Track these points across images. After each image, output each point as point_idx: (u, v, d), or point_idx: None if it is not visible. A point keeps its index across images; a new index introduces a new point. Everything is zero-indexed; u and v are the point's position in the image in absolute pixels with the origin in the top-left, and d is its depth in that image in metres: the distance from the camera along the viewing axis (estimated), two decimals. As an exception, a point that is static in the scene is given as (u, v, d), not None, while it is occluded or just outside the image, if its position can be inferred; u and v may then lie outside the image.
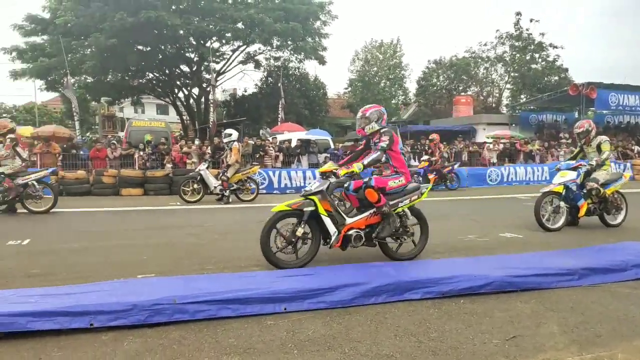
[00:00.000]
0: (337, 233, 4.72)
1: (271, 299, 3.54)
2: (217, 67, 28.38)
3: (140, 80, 28.17)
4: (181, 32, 22.98)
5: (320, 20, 26.68)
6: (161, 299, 3.29)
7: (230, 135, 10.82)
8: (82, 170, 12.41)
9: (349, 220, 4.84)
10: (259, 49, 28.04)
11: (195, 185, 10.63)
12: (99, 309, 3.14)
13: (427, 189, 5.30)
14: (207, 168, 10.81)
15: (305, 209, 4.69)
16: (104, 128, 37.65)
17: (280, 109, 25.33)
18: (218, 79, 28.55)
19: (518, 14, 32.85)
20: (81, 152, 14.09)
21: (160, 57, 26.18)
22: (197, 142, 15.99)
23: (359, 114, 5.19)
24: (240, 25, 24.29)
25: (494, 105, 36.26)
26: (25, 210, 8.31)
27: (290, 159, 16.09)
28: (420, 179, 14.23)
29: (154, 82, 28.85)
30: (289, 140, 17.01)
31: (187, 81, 28.48)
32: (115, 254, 5.43)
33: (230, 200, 10.58)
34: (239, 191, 10.95)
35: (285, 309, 3.53)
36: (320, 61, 27.03)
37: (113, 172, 12.35)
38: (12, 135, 8.36)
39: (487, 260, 4.88)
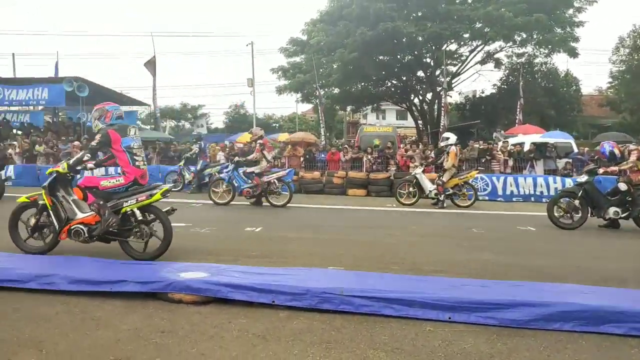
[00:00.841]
0: (58, 226, 4.99)
1: (436, 306, 3.48)
2: (453, 69, 28.16)
3: (380, 88, 30.04)
4: (419, 38, 23.69)
5: (573, 7, 23.61)
6: (330, 288, 3.62)
7: (447, 139, 10.70)
8: (317, 171, 14.18)
9: (79, 216, 5.02)
10: (499, 46, 26.59)
11: (411, 189, 10.87)
12: (281, 289, 3.66)
13: (161, 189, 5.01)
14: (422, 172, 10.92)
15: (40, 202, 5.07)
16: (348, 134, 41.69)
17: (518, 109, 23.42)
18: (453, 81, 28.28)
19: None
20: (322, 155, 15.99)
21: (398, 65, 27.45)
22: (420, 146, 16.23)
23: None
24: (477, 24, 23.56)
25: None
26: (267, 204, 10.04)
27: (522, 164, 14.79)
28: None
29: (393, 89, 30.36)
30: (521, 144, 15.60)
31: (423, 86, 29.06)
32: (320, 245, 6.11)
33: (446, 205, 10.44)
34: (455, 196, 10.70)
35: (449, 318, 3.42)
36: (571, 53, 23.85)
37: (342, 174, 13.70)
38: (260, 141, 10.23)
39: None
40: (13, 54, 31.53)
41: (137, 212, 4.98)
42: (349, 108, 35.87)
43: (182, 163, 13.43)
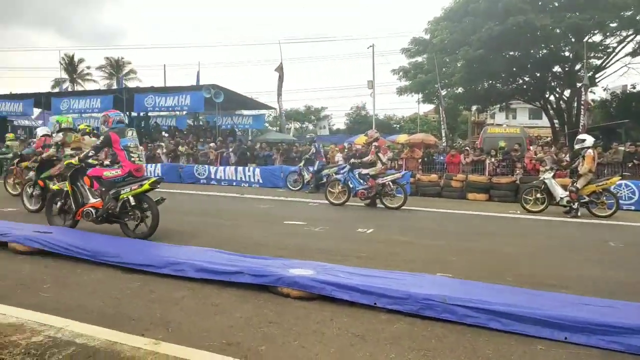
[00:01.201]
0: (74, 208, 6.18)
1: (550, 324, 3.23)
2: (597, 62, 25.22)
3: (510, 86, 28.13)
4: (557, 30, 21.71)
5: None
6: (432, 295, 3.55)
7: (583, 141, 9.67)
8: (435, 174, 13.77)
9: (92, 200, 6.14)
10: (656, 35, 23.15)
11: (539, 195, 10.02)
12: (383, 292, 3.69)
13: (150, 180, 5.97)
14: (553, 176, 10.00)
15: (64, 189, 6.28)
16: (473, 134, 39.74)
17: (678, 106, 20.18)
18: (596, 76, 25.33)
19: None
20: (441, 158, 15.52)
21: (531, 60, 25.42)
22: (553, 148, 14.85)
23: None
24: (628, 12, 20.82)
25: None
26: (382, 205, 10.05)
27: (680, 170, 12.72)
28: None
29: (524, 86, 28.22)
30: (679, 146, 13.40)
31: (560, 82, 26.52)
32: (431, 251, 5.98)
33: (580, 214, 9.45)
34: (592, 205, 9.62)
35: (566, 338, 3.15)
36: None
37: (461, 177, 13.12)
38: (375, 143, 10.29)
39: None
40: (164, 65, 35.91)
41: (131, 199, 5.97)
42: (474, 108, 34.17)
43: (302, 164, 14.07)
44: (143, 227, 6.05)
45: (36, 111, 24.54)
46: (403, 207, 9.91)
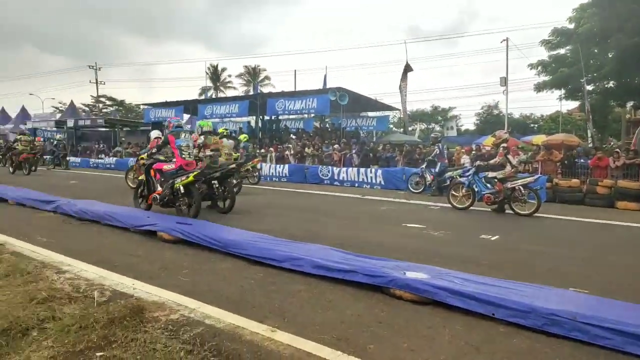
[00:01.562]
0: (147, 193, 7.88)
1: None
2: None
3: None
4: None
5: None
6: (560, 311, 3.26)
7: None
8: (577, 179, 12.34)
9: (158, 189, 7.57)
10: None
11: None
12: (503, 303, 3.49)
13: (194, 172, 7.38)
14: None
15: (142, 179, 8.10)
16: (627, 135, 34.91)
17: None
18: None
19: None
20: (581, 161, 13.94)
21: None
22: None
23: None
24: None
25: None
26: (511, 212, 9.34)
27: None
28: None
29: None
30: None
31: None
32: (564, 263, 5.43)
33: None
34: None
35: None
36: None
37: (609, 183, 11.56)
38: (504, 145, 9.58)
39: None
40: (295, 71, 37.85)
41: (181, 188, 7.33)
42: (629, 104, 29.97)
43: (424, 165, 13.71)
44: (192, 210, 7.42)
45: (185, 116, 27.59)
46: (536, 214, 9.10)
